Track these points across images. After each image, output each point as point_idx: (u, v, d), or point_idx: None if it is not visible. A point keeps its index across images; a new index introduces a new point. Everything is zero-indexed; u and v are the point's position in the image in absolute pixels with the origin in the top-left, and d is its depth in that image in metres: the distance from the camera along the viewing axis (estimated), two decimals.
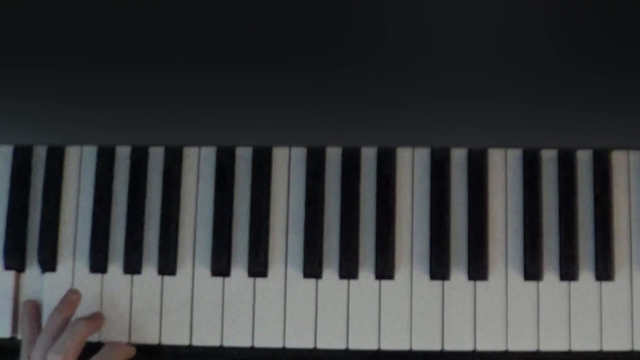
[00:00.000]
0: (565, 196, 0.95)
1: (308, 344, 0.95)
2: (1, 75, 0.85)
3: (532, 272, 0.94)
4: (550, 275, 0.94)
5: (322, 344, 0.94)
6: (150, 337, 0.96)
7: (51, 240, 0.97)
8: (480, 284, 0.95)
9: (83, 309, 0.95)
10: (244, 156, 0.98)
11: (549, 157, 0.97)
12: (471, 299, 0.94)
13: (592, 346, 0.93)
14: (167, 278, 0.96)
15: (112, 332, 0.95)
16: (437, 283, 0.95)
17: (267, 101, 0.87)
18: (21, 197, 0.98)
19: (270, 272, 0.96)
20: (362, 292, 0.95)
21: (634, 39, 0.77)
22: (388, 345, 0.94)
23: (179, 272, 0.97)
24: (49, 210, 0.98)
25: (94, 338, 0.94)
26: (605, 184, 0.95)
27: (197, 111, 0.90)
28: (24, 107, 0.90)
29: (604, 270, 0.94)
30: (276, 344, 0.95)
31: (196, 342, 0.95)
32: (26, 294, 0.97)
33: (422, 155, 0.97)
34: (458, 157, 0.97)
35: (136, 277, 0.97)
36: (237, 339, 0.95)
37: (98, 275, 0.97)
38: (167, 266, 0.96)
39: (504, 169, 0.97)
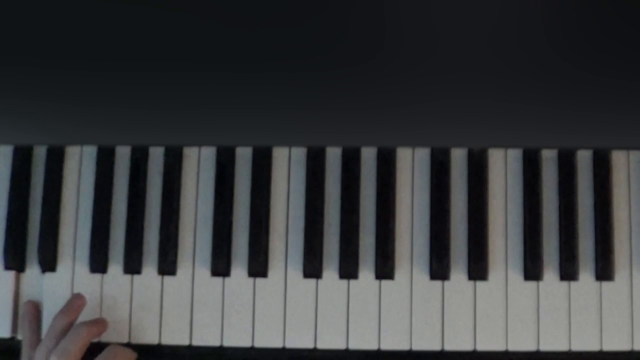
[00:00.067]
0: (565, 196, 0.95)
1: (308, 344, 0.95)
2: (1, 75, 0.85)
3: (532, 272, 0.94)
4: (550, 275, 0.95)
5: (322, 344, 0.94)
6: (150, 337, 0.96)
7: (51, 240, 0.97)
8: (480, 284, 0.95)
9: (83, 310, 0.95)
10: (244, 156, 0.98)
11: (549, 157, 0.97)
12: (471, 299, 0.94)
13: (592, 346, 0.93)
14: (167, 278, 0.96)
15: (112, 332, 0.95)
16: (437, 283, 0.95)
17: (267, 101, 0.87)
18: (21, 197, 0.98)
19: (270, 272, 0.96)
20: (362, 292, 0.95)
21: (634, 39, 0.77)
22: (388, 345, 0.94)
23: (179, 272, 0.97)
24: (49, 210, 0.98)
25: (94, 339, 0.94)
26: (605, 184, 0.95)
27: (197, 111, 0.90)
28: (24, 107, 0.90)
29: (604, 270, 0.94)
30: (276, 344, 0.95)
31: (196, 342, 0.95)
32: (26, 294, 0.98)
33: (422, 155, 0.97)
34: (458, 157, 0.97)
35: (136, 277, 0.97)
36: (237, 339, 0.95)
37: (98, 276, 0.97)
38: (167, 266, 0.96)
39: (504, 169, 0.97)
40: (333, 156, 0.98)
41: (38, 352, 0.90)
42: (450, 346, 0.94)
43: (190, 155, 0.99)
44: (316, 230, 0.96)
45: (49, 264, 0.97)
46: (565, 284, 0.94)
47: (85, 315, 0.95)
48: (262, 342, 0.95)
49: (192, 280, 0.96)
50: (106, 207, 0.98)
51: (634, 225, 0.95)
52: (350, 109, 0.88)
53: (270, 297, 0.95)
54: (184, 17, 0.77)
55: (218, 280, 0.96)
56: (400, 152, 0.97)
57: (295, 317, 0.95)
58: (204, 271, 0.96)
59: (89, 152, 0.99)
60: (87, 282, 0.97)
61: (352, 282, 0.95)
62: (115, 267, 0.97)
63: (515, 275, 0.95)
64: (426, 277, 0.95)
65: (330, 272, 0.96)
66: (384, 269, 0.95)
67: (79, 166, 0.99)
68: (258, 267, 0.96)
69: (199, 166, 0.98)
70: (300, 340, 0.95)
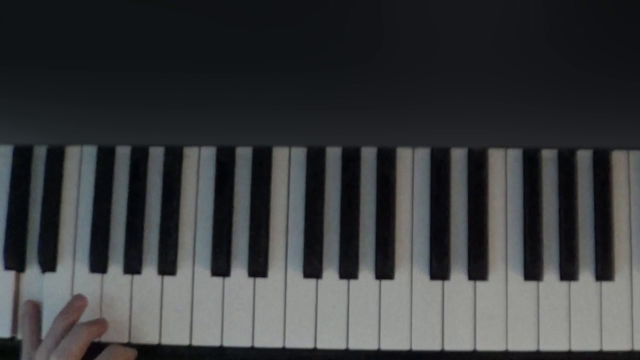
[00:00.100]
0: (565, 196, 0.95)
1: (308, 344, 0.95)
2: (1, 75, 0.85)
3: (532, 272, 0.94)
4: (550, 275, 0.95)
5: (322, 344, 0.94)
6: (150, 337, 0.96)
7: (51, 240, 0.97)
8: (480, 284, 0.95)
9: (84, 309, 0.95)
10: (244, 156, 0.98)
11: (549, 157, 0.97)
12: (471, 299, 0.94)
13: (592, 346, 0.93)
14: (167, 278, 0.96)
15: (112, 332, 0.95)
16: (437, 283, 0.95)
17: (267, 101, 0.87)
18: (21, 197, 0.98)
19: (270, 272, 0.96)
20: (362, 292, 0.95)
21: (634, 39, 0.77)
22: (388, 345, 0.94)
23: (179, 272, 0.97)
24: (49, 210, 0.98)
25: (95, 339, 0.94)
26: (605, 184, 0.95)
27: (197, 111, 0.89)
28: (24, 107, 0.90)
29: (604, 270, 0.94)
30: (276, 344, 0.95)
31: (196, 342, 0.95)
32: (26, 294, 0.97)
33: (422, 155, 0.97)
34: (458, 157, 0.97)
35: (136, 277, 0.97)
36: (237, 339, 0.95)
37: (98, 275, 0.97)
38: (167, 266, 0.96)
39: (504, 169, 0.97)
40: (333, 156, 0.97)
41: (38, 352, 0.91)
42: (450, 346, 0.94)
43: (190, 155, 0.99)
44: (316, 230, 0.96)
45: (49, 264, 0.97)
46: (565, 284, 0.94)
47: (85, 316, 0.95)
48: (262, 342, 0.95)
49: (192, 280, 0.96)
50: (106, 207, 0.98)
51: (634, 225, 0.95)
52: (350, 109, 0.88)
53: (270, 297, 0.95)
54: (184, 17, 0.77)
55: (218, 280, 0.96)
56: (400, 152, 0.97)
57: (295, 317, 0.95)
58: (204, 271, 0.96)
59: (89, 152, 0.99)
60: (87, 282, 0.97)
61: (352, 282, 0.95)
62: (115, 267, 0.97)
63: (515, 275, 0.95)
64: (426, 277, 0.95)
65: (330, 272, 0.96)
66: (384, 269, 0.95)
67: (79, 166, 0.99)
68: (258, 267, 0.96)
69: (199, 166, 0.98)
70: (300, 341, 0.95)
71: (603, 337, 0.93)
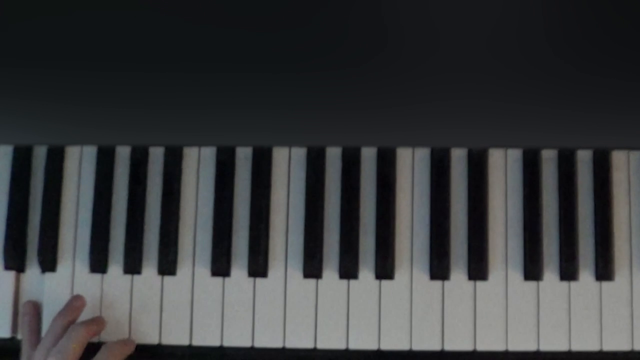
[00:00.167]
0: (565, 196, 0.95)
1: (308, 344, 0.95)
2: (1, 75, 0.85)
3: (532, 272, 0.94)
4: (550, 275, 0.95)
5: (322, 344, 0.94)
6: (150, 337, 0.96)
7: (51, 241, 0.97)
8: (480, 284, 0.95)
9: (84, 310, 0.95)
10: (244, 156, 0.98)
11: (549, 157, 0.97)
12: (471, 299, 0.94)
13: (592, 346, 0.93)
14: (167, 278, 0.96)
15: (112, 332, 0.95)
16: (437, 283, 0.95)
17: (267, 101, 0.87)
18: (21, 197, 0.98)
19: (270, 272, 0.96)
20: (362, 292, 0.95)
21: (634, 39, 0.77)
22: (388, 345, 0.94)
23: (179, 272, 0.97)
24: (49, 210, 0.98)
25: (93, 338, 0.94)
26: (605, 184, 0.95)
27: (197, 111, 0.89)
28: (24, 107, 0.89)
29: (604, 270, 0.94)
30: (276, 344, 0.95)
31: (196, 342, 0.95)
32: (26, 294, 0.97)
33: (422, 155, 0.97)
34: (458, 157, 0.97)
35: (136, 277, 0.97)
36: (237, 339, 0.95)
37: (98, 275, 0.97)
38: (167, 266, 0.96)
39: (504, 169, 0.97)
40: (333, 156, 0.98)
41: (37, 351, 0.91)
42: (450, 346, 0.94)
43: (190, 155, 0.99)
44: (316, 230, 0.96)
45: (49, 264, 0.97)
46: (565, 284, 0.94)
47: (85, 316, 0.95)
48: (262, 342, 0.95)
49: (192, 280, 0.96)
50: (106, 207, 0.98)
51: (634, 225, 0.95)
52: (350, 109, 0.88)
53: (270, 297, 0.95)
54: (184, 17, 0.77)
55: (218, 280, 0.96)
56: (400, 152, 0.97)
57: (295, 317, 0.95)
58: (204, 271, 0.96)
59: (89, 152, 0.99)
60: (87, 282, 0.97)
61: (352, 282, 0.95)
62: (115, 267, 0.97)
63: (515, 275, 0.95)
64: (426, 277, 0.95)
65: (330, 272, 0.96)
66: (384, 269, 0.95)
67: (79, 166, 0.99)
68: (258, 267, 0.96)
69: (199, 166, 0.98)
70: (300, 341, 0.95)
71: (603, 337, 0.93)
